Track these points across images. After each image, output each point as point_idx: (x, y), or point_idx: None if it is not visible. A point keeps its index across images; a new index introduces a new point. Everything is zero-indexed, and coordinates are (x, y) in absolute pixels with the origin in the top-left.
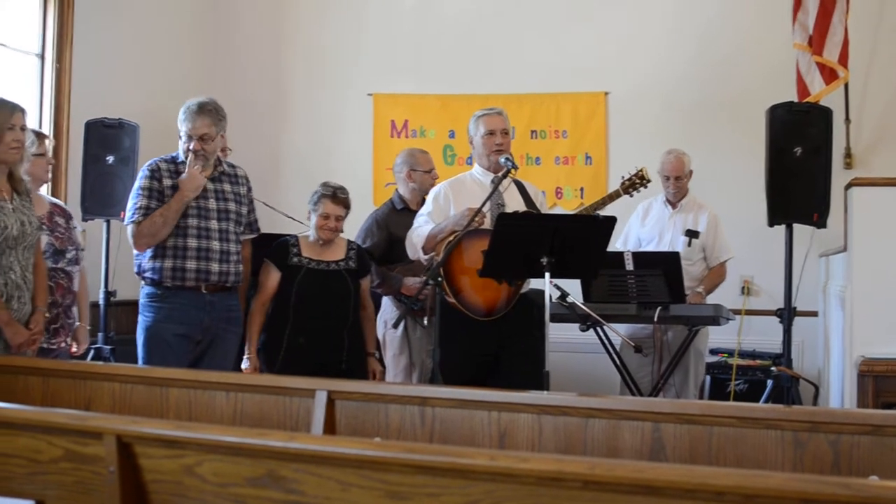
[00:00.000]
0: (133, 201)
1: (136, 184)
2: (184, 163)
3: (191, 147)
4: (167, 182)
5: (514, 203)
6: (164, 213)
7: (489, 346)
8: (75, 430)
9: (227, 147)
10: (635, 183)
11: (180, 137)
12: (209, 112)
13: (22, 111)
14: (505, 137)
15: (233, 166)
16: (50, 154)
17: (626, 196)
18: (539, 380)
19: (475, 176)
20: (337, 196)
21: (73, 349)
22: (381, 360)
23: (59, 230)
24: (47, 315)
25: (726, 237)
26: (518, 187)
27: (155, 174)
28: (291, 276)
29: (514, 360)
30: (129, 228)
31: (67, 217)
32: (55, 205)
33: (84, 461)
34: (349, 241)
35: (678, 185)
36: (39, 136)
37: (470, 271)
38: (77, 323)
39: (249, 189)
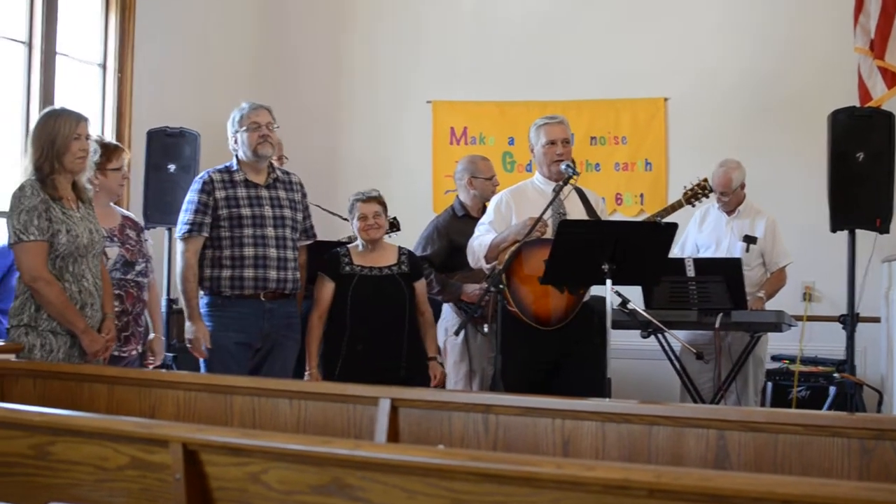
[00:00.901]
0: (184, 214)
1: (188, 196)
2: (239, 171)
3: (261, 134)
4: (220, 194)
5: (576, 211)
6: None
7: (550, 354)
8: (142, 437)
9: (283, 155)
10: (697, 193)
11: (237, 142)
12: (269, 108)
13: (86, 121)
14: (566, 147)
15: (287, 173)
16: (125, 168)
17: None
18: (600, 387)
19: (536, 184)
20: (367, 196)
21: (150, 361)
22: (441, 366)
23: (129, 242)
24: (117, 323)
25: (784, 242)
26: (579, 194)
27: (206, 186)
28: (345, 284)
29: (575, 368)
30: (180, 241)
31: (139, 229)
32: (127, 217)
33: (150, 469)
34: (400, 247)
35: (724, 199)
36: (117, 150)
37: (531, 280)
38: (152, 334)
39: (304, 195)
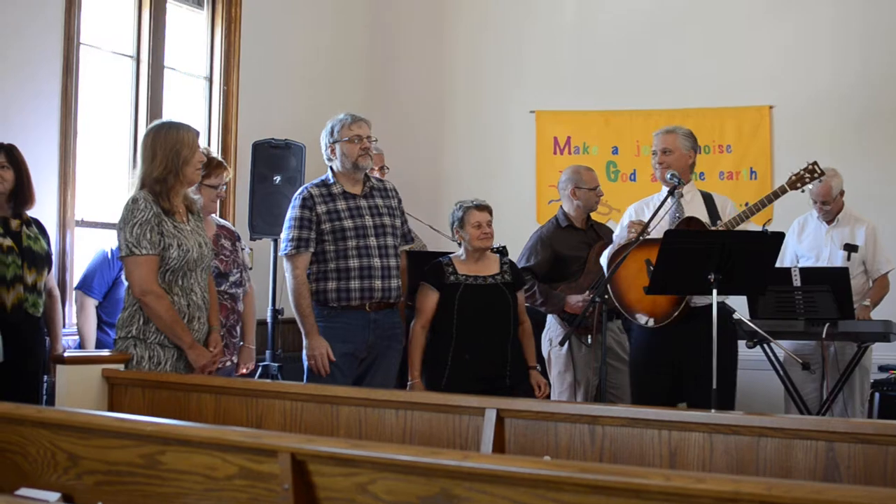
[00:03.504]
0: (287, 232)
1: (289, 213)
2: (336, 183)
3: (364, 145)
4: (321, 209)
5: (697, 216)
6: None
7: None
8: (250, 447)
9: (385, 165)
10: (804, 177)
11: (335, 154)
12: (366, 120)
13: (199, 133)
14: (666, 156)
15: (381, 180)
16: (222, 187)
17: (798, 191)
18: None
19: (662, 195)
20: (479, 204)
21: (242, 370)
22: (544, 375)
23: (224, 253)
24: (221, 334)
25: (886, 248)
26: (705, 199)
27: (307, 202)
28: (451, 294)
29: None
30: (284, 258)
31: (234, 239)
32: (222, 227)
33: (259, 478)
34: (500, 256)
35: (825, 208)
36: (218, 167)
37: (633, 280)
38: (243, 344)
39: (400, 200)
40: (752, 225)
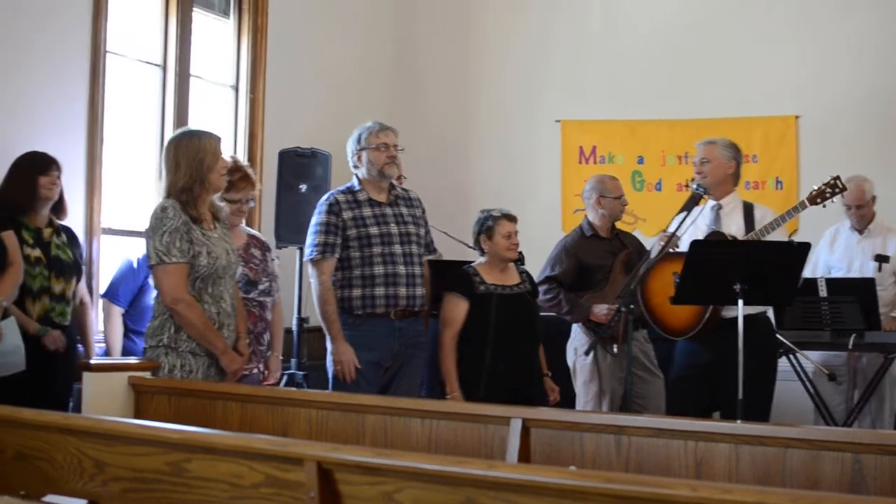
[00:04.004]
0: (312, 237)
1: (315, 219)
2: (362, 190)
3: (391, 153)
4: (347, 215)
5: (734, 227)
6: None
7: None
8: (277, 456)
9: (402, 174)
10: (825, 192)
11: (361, 161)
12: (393, 129)
13: (220, 140)
14: (704, 166)
15: (405, 189)
16: (245, 202)
17: (820, 206)
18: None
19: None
20: (510, 215)
21: (268, 379)
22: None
23: (253, 261)
24: (248, 341)
25: None
26: (745, 210)
27: (333, 208)
28: (484, 304)
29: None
30: (309, 264)
31: (264, 249)
32: (252, 236)
33: (285, 486)
34: (517, 266)
35: (860, 213)
36: (240, 182)
37: (659, 292)
38: (271, 352)
39: (424, 210)
40: (779, 235)
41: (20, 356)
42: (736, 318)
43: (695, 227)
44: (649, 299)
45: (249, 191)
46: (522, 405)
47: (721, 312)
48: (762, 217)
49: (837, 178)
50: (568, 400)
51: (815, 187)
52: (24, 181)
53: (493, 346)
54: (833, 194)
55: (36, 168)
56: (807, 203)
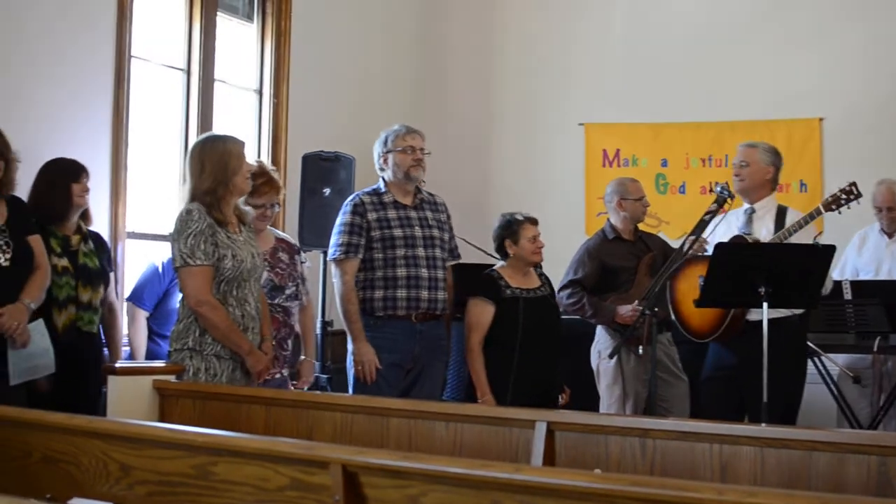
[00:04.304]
0: (337, 237)
1: (339, 219)
2: (387, 192)
3: (417, 156)
4: (371, 216)
5: (763, 231)
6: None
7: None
8: (302, 459)
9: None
10: (839, 199)
11: (387, 163)
12: (420, 132)
13: (244, 144)
14: (742, 169)
15: (431, 194)
16: (269, 207)
17: (835, 212)
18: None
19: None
20: (533, 218)
21: (301, 384)
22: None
23: (280, 266)
24: (273, 344)
25: None
26: (777, 214)
27: (358, 209)
28: (511, 308)
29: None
30: (334, 264)
31: (292, 252)
32: (281, 240)
33: (310, 490)
34: (536, 269)
35: (891, 216)
36: (263, 187)
37: (685, 295)
38: (302, 356)
39: (449, 216)
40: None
41: (49, 358)
42: (758, 322)
43: (727, 230)
44: (679, 301)
45: (274, 196)
46: (547, 408)
47: (746, 315)
48: (793, 221)
49: (853, 184)
50: (591, 402)
51: (831, 194)
52: (58, 189)
53: (520, 350)
54: (849, 200)
55: (69, 176)
56: (822, 209)
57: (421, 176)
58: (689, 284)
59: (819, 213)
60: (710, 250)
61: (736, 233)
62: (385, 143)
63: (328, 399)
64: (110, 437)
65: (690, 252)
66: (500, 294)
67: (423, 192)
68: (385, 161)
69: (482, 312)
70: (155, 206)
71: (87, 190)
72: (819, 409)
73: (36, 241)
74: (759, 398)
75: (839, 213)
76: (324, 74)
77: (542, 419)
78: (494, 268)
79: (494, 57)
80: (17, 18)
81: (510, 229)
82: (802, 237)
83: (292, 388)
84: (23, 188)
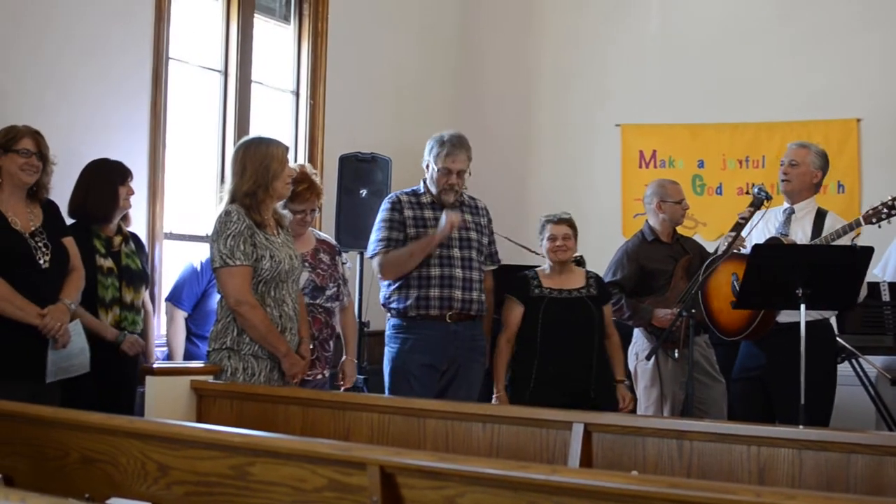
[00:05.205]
0: (376, 233)
1: (379, 216)
2: (425, 193)
3: (450, 182)
4: (408, 213)
5: (800, 233)
6: (413, 249)
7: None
8: (339, 460)
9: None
10: (881, 212)
11: (428, 169)
12: (468, 147)
13: (287, 148)
14: (792, 168)
15: (473, 198)
16: (309, 213)
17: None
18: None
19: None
20: (559, 218)
21: (342, 383)
22: (631, 390)
23: (321, 267)
24: (311, 346)
25: None
26: (817, 216)
27: (396, 206)
28: (535, 307)
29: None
30: (376, 259)
31: (334, 253)
32: (322, 241)
33: (347, 491)
34: (587, 271)
35: None
36: (307, 190)
37: (716, 292)
38: (346, 357)
39: (490, 220)
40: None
41: (85, 357)
42: (792, 323)
43: (766, 230)
44: (709, 297)
45: (314, 201)
46: (578, 409)
47: (775, 316)
48: (831, 226)
49: (895, 198)
50: None
51: (872, 206)
52: (104, 190)
53: (541, 349)
54: (890, 215)
55: (116, 177)
56: (862, 221)
57: (450, 199)
58: (720, 281)
59: (859, 224)
60: (747, 248)
61: (773, 233)
62: (430, 151)
63: (365, 400)
64: (148, 437)
65: (729, 251)
66: (528, 293)
67: (464, 196)
68: (427, 167)
69: (511, 311)
70: (192, 207)
71: (132, 192)
72: (857, 411)
73: (70, 243)
74: (788, 400)
75: (879, 227)
76: (360, 75)
77: (580, 420)
78: (537, 269)
79: (531, 58)
80: (57, 22)
81: (540, 230)
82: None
83: (340, 386)
84: (61, 189)
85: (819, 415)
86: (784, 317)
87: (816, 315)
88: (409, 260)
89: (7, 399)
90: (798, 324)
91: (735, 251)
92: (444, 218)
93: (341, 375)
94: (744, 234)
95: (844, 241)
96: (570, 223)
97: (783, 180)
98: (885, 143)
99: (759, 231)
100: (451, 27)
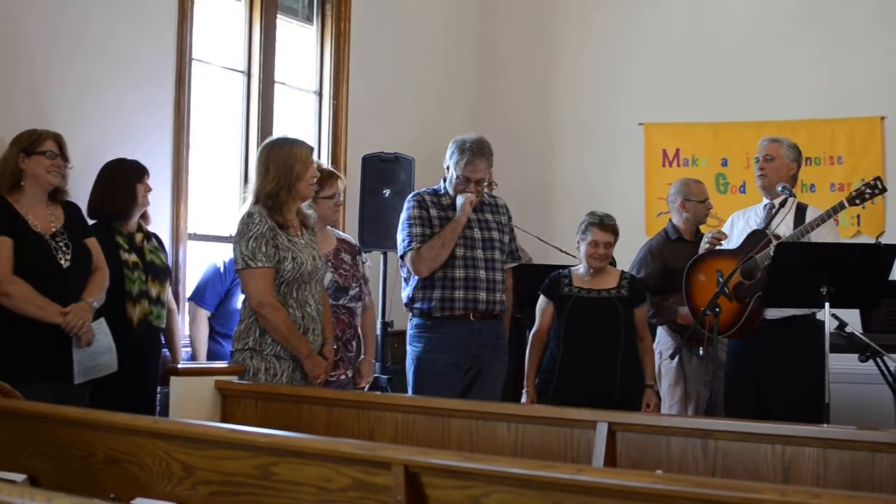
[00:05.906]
0: (406, 231)
1: (405, 214)
2: (445, 195)
3: (468, 190)
4: (433, 212)
5: (783, 227)
6: (442, 237)
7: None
8: (364, 460)
9: (493, 181)
10: (864, 193)
11: (449, 172)
12: (489, 154)
13: (313, 149)
14: (767, 163)
15: (493, 196)
16: (339, 196)
17: (859, 206)
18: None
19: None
20: (604, 223)
21: (360, 383)
22: (657, 394)
23: (343, 267)
24: (335, 347)
25: None
26: (797, 211)
27: (422, 203)
28: (561, 305)
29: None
30: (409, 255)
31: (355, 253)
32: (343, 241)
33: (372, 490)
34: (623, 272)
35: None
36: (330, 178)
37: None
38: (363, 356)
39: (510, 218)
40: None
41: (112, 356)
42: (780, 319)
43: (746, 226)
44: (693, 293)
45: (337, 183)
46: (606, 409)
47: (762, 314)
48: (812, 217)
49: (878, 178)
50: None
51: (856, 188)
52: (124, 188)
53: (564, 347)
54: (873, 195)
55: (133, 176)
56: (846, 203)
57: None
58: (707, 277)
59: (842, 206)
60: (725, 245)
61: (754, 228)
62: (451, 156)
63: (389, 400)
64: (173, 437)
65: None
66: (558, 292)
67: (485, 195)
68: (447, 169)
69: (540, 309)
70: (216, 207)
71: (149, 189)
72: (881, 409)
73: (93, 243)
74: (781, 396)
75: (863, 207)
76: (383, 76)
77: (604, 420)
78: (572, 268)
79: (554, 58)
80: (80, 22)
81: (582, 229)
82: (824, 232)
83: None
84: (83, 189)
85: (815, 409)
86: (772, 313)
87: (806, 310)
88: (442, 250)
89: (37, 400)
90: (786, 319)
91: (717, 248)
92: (460, 200)
93: (358, 375)
94: (726, 230)
95: (828, 230)
96: (614, 230)
97: (759, 176)
98: None
99: (740, 228)
100: (474, 27)
